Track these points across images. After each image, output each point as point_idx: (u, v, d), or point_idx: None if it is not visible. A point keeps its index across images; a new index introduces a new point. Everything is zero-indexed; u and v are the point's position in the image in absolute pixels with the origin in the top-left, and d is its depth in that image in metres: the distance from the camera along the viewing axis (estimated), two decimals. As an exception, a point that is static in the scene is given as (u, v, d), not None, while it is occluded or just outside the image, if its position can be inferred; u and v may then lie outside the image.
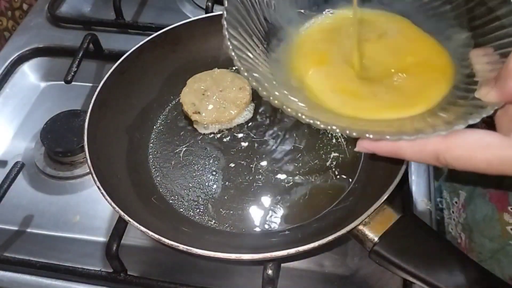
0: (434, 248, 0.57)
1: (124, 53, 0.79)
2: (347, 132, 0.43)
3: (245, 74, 0.47)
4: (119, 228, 0.67)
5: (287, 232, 0.69)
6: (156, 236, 0.59)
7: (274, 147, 0.78)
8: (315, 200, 0.72)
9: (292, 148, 0.77)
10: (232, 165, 0.76)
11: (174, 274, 0.70)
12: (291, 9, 0.59)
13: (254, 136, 0.79)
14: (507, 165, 0.38)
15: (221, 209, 0.71)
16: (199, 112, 0.79)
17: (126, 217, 0.61)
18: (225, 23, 0.50)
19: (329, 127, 0.43)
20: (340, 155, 0.76)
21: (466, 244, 0.67)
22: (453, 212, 0.73)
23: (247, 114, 0.81)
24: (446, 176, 0.77)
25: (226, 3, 0.52)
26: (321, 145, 0.77)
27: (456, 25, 0.54)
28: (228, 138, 0.79)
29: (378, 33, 0.58)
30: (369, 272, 0.70)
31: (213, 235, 0.68)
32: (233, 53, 0.48)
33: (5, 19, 1.11)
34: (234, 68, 0.87)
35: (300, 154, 0.77)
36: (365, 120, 0.49)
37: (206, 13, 0.94)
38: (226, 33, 0.49)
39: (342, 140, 0.78)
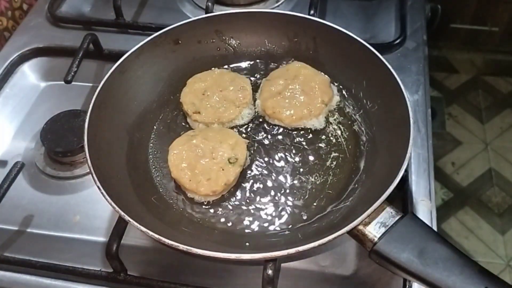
0: (434, 248, 0.57)
1: (124, 53, 0.79)
2: None
3: None
4: (119, 228, 0.67)
5: (287, 232, 0.68)
6: (156, 236, 0.59)
7: (274, 147, 0.78)
8: (315, 200, 0.72)
9: (292, 148, 0.77)
10: (232, 165, 0.76)
11: (174, 274, 0.70)
12: None
13: (254, 136, 0.79)
14: None
15: (221, 209, 0.71)
16: (199, 112, 0.79)
17: (126, 217, 0.61)
18: None
19: None
20: (340, 155, 0.76)
21: None
22: None
23: (247, 114, 0.81)
24: None
25: None
26: (321, 145, 0.77)
27: None
28: (228, 138, 0.79)
29: None
30: (369, 272, 0.70)
31: (213, 235, 0.68)
32: None
33: (5, 19, 1.11)
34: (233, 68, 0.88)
35: (300, 154, 0.77)
36: None
37: (206, 13, 0.94)
38: None
39: (342, 140, 0.78)
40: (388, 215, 0.60)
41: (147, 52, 0.81)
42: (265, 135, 0.79)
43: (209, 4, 0.96)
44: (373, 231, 0.59)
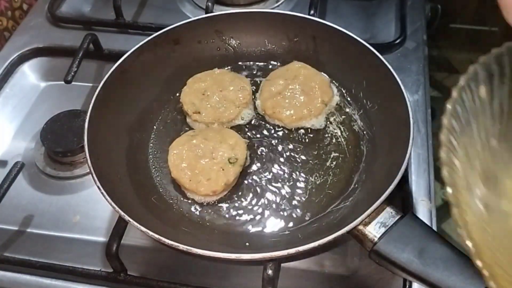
0: (434, 248, 0.57)
1: (124, 53, 0.79)
2: None
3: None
4: (119, 228, 0.67)
5: (287, 232, 0.68)
6: (156, 236, 0.59)
7: (274, 147, 0.78)
8: (315, 200, 0.72)
9: (292, 148, 0.77)
10: (232, 165, 0.76)
11: (174, 274, 0.70)
12: None
13: (254, 136, 0.79)
14: None
15: (221, 209, 0.71)
16: (199, 112, 0.79)
17: (126, 217, 0.61)
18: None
19: None
20: (340, 155, 0.76)
21: None
22: None
23: (247, 114, 0.81)
24: None
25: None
26: (321, 145, 0.77)
27: None
28: (228, 138, 0.79)
29: None
30: (369, 272, 0.70)
31: (213, 235, 0.68)
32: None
33: (5, 19, 1.11)
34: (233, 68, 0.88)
35: (300, 154, 0.77)
36: None
37: (206, 13, 0.94)
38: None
39: (342, 140, 0.78)
40: (388, 215, 0.60)
41: (147, 52, 0.81)
42: (265, 135, 0.79)
43: (209, 4, 0.96)
44: (373, 231, 0.59)
